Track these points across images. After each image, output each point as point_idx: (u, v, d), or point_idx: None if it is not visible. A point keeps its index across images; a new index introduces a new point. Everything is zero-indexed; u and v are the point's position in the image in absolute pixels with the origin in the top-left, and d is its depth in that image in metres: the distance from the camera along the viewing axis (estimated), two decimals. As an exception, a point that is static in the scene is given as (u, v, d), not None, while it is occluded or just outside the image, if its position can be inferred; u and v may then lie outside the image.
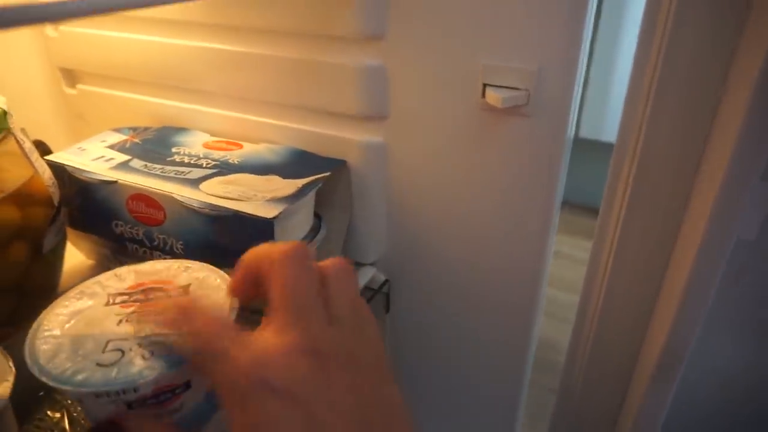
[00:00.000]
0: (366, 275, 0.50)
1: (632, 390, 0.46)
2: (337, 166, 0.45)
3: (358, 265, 0.50)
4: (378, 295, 0.50)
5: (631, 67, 0.37)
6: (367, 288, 0.49)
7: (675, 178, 0.38)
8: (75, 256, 0.48)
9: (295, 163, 0.45)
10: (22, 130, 0.40)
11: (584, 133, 1.48)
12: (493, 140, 0.41)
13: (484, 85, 0.39)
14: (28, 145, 0.40)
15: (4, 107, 0.38)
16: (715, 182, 0.34)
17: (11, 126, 0.39)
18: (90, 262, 0.49)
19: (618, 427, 0.48)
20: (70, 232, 0.46)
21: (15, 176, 0.39)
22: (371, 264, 0.51)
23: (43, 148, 0.51)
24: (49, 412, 0.35)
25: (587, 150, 1.36)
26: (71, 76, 0.60)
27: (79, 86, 0.59)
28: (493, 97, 0.38)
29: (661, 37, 0.35)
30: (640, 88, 0.36)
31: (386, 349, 0.57)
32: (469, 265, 0.48)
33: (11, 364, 0.32)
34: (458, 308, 0.51)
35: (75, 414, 0.35)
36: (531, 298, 0.47)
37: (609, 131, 1.38)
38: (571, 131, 0.40)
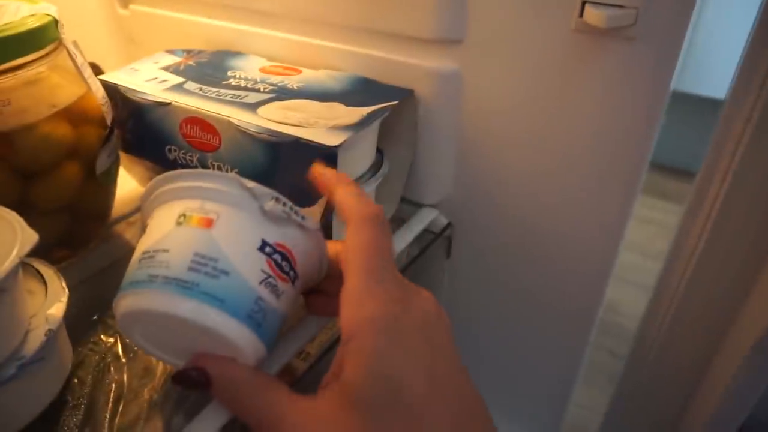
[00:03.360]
0: (427, 217, 0.46)
1: (718, 365, 0.41)
2: (404, 96, 0.41)
3: (419, 206, 0.47)
4: (439, 240, 0.47)
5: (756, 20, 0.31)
6: (427, 231, 0.46)
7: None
8: (128, 182, 0.47)
9: (359, 91, 0.41)
10: (74, 43, 0.38)
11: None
12: (588, 69, 0.36)
13: (583, 2, 0.33)
14: (80, 60, 0.38)
15: (56, 16, 0.36)
16: None
17: (63, 37, 0.36)
18: (143, 189, 0.48)
19: (697, 401, 0.44)
20: (123, 158, 0.44)
21: (68, 92, 0.37)
22: (433, 206, 0.47)
23: (96, 70, 0.49)
24: (102, 337, 0.35)
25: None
26: (124, -4, 0.57)
27: (132, 6, 0.56)
28: (594, 15, 0.32)
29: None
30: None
31: (443, 298, 0.54)
32: (542, 215, 0.44)
33: (64, 285, 0.30)
34: (524, 261, 0.47)
35: (128, 340, 0.34)
36: (605, 260, 0.43)
37: (691, 82, 1.25)
38: (681, 59, 0.34)
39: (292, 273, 0.27)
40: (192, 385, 0.26)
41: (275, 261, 0.26)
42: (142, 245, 0.27)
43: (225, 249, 0.25)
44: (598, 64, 0.35)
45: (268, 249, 0.26)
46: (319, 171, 0.29)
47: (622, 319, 0.98)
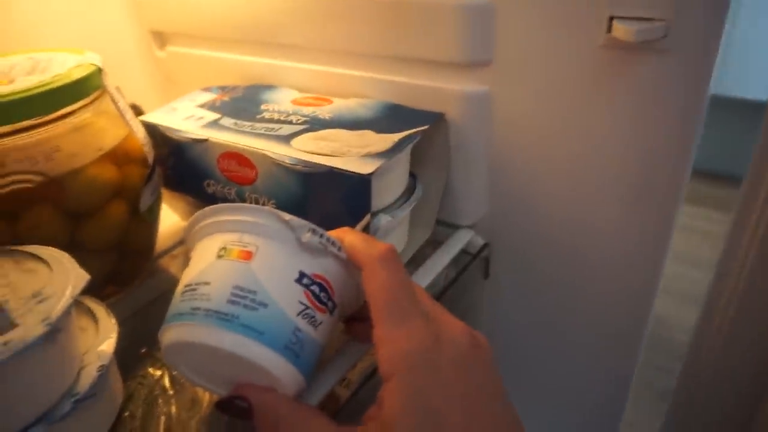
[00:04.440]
0: (463, 239, 0.46)
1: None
2: (435, 120, 0.41)
3: (455, 227, 0.47)
4: (476, 261, 0.46)
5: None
6: (464, 252, 0.46)
7: None
8: (170, 217, 0.49)
9: (389, 117, 0.42)
10: (117, 88, 0.40)
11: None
12: (618, 85, 0.35)
13: (611, 18, 0.33)
14: (122, 104, 0.40)
15: (99, 65, 0.38)
16: None
17: (106, 83, 0.38)
18: (185, 223, 0.49)
19: (763, 415, 0.42)
20: (165, 193, 0.45)
21: (112, 135, 0.39)
22: (469, 227, 0.47)
23: (137, 111, 0.52)
24: (150, 370, 0.36)
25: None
26: (161, 39, 0.60)
27: (169, 48, 0.59)
28: (622, 30, 0.32)
29: None
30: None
31: (484, 319, 0.53)
32: (581, 232, 0.43)
33: (114, 321, 0.32)
34: (566, 279, 0.46)
35: (174, 372, 0.35)
36: (651, 273, 0.42)
37: (731, 85, 1.21)
38: (715, 70, 0.33)
39: (330, 303, 0.27)
40: (234, 413, 0.26)
41: (313, 292, 0.26)
42: (185, 278, 0.28)
43: (263, 281, 0.26)
44: (629, 79, 0.35)
45: (305, 280, 0.26)
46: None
47: (667, 331, 0.94)
